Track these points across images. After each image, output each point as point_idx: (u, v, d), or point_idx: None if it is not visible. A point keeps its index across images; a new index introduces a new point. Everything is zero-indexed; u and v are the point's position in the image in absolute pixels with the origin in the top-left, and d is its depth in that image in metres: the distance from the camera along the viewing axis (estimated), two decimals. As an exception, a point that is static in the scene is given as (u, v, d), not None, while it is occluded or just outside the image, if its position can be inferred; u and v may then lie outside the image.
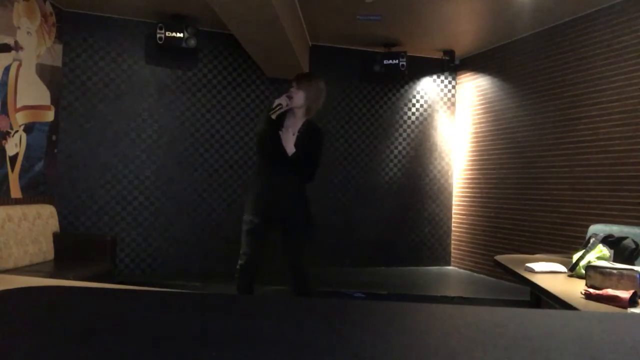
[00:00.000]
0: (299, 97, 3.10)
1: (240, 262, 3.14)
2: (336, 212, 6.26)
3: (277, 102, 3.06)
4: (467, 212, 6.48)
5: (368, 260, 6.32)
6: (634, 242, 2.74)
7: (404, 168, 6.57)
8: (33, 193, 4.68)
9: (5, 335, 0.83)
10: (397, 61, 6.10)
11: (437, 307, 1.46)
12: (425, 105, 6.67)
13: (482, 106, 6.28)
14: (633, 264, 2.58)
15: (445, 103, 6.74)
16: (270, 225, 3.18)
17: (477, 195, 6.30)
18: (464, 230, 6.52)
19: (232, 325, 0.93)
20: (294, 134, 3.15)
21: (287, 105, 3.08)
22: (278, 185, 3.12)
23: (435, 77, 6.70)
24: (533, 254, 4.12)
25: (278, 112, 3.06)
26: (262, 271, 3.25)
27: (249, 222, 3.14)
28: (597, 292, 2.14)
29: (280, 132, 3.12)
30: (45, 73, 4.86)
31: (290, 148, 3.12)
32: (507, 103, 5.87)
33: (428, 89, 6.68)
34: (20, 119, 4.48)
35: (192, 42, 5.30)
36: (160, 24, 5.23)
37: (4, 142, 4.27)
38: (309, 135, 3.16)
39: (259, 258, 3.16)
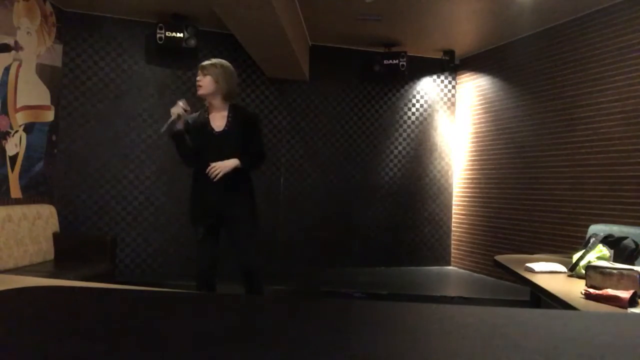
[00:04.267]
0: (207, 83, 2.96)
1: (197, 270, 3.08)
2: (336, 212, 6.26)
3: (172, 112, 2.93)
4: (467, 212, 6.48)
5: (368, 260, 6.32)
6: (634, 242, 2.74)
7: (404, 168, 6.57)
8: (33, 193, 4.68)
9: (5, 335, 0.83)
10: (397, 61, 6.09)
11: (437, 307, 1.46)
12: (425, 105, 6.67)
13: (482, 106, 6.28)
14: (633, 264, 2.58)
15: (445, 103, 6.74)
16: (218, 226, 3.07)
17: (477, 195, 6.30)
18: (464, 230, 6.52)
19: (232, 325, 0.93)
20: (224, 125, 3.01)
21: (183, 109, 2.94)
22: (216, 185, 2.93)
23: (435, 77, 6.70)
24: (533, 254, 4.11)
25: (173, 123, 2.92)
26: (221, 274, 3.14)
27: (196, 233, 3.05)
28: (597, 292, 2.14)
29: (209, 128, 3.01)
30: (45, 73, 4.85)
31: (223, 141, 2.98)
32: (507, 103, 5.87)
33: (428, 89, 6.68)
34: (20, 119, 4.47)
35: (192, 42, 5.30)
36: (160, 24, 5.23)
37: (4, 142, 4.27)
38: (242, 121, 3.04)
39: (214, 265, 3.08)
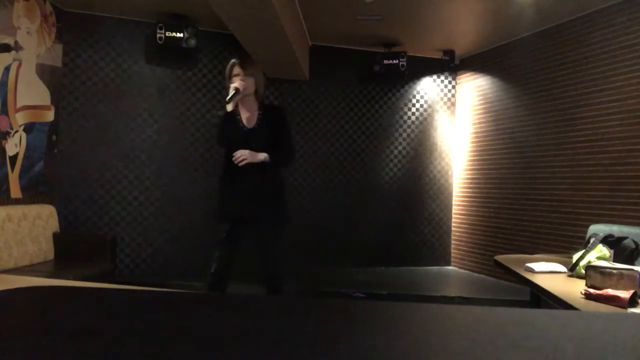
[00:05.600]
0: (250, 85, 2.99)
1: (211, 270, 3.02)
2: (336, 212, 6.26)
3: (233, 87, 2.91)
4: (467, 212, 6.48)
5: (368, 260, 6.32)
6: (634, 242, 2.74)
7: (404, 168, 6.57)
8: (33, 193, 4.68)
9: (5, 335, 0.83)
10: (397, 61, 6.10)
11: (437, 307, 1.46)
12: (425, 105, 6.67)
13: (482, 106, 6.28)
14: (633, 264, 2.58)
15: (445, 103, 6.74)
16: (243, 227, 3.02)
17: (477, 195, 6.30)
18: (464, 230, 6.52)
19: (232, 325, 0.93)
20: (254, 122, 3.04)
21: (242, 90, 2.94)
22: (248, 182, 2.95)
23: (435, 77, 6.70)
24: (533, 254, 4.11)
25: (236, 99, 2.93)
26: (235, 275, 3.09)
27: (220, 230, 3.01)
28: (597, 292, 2.14)
29: (241, 125, 3.03)
30: (45, 73, 4.85)
31: (252, 138, 2.98)
32: (507, 103, 5.87)
33: (428, 89, 6.68)
34: (20, 119, 4.47)
35: (192, 42, 5.31)
36: (160, 24, 5.23)
37: (4, 142, 4.27)
38: (271, 117, 3.06)
39: (230, 266, 3.03)
